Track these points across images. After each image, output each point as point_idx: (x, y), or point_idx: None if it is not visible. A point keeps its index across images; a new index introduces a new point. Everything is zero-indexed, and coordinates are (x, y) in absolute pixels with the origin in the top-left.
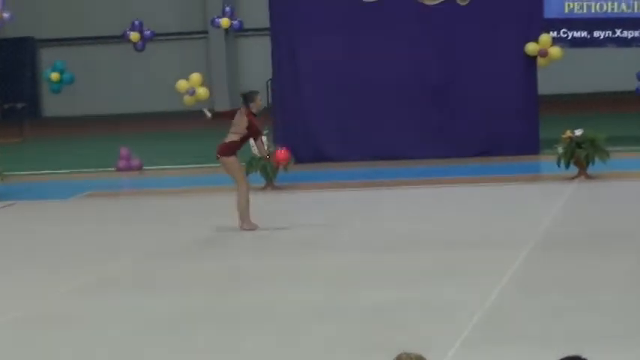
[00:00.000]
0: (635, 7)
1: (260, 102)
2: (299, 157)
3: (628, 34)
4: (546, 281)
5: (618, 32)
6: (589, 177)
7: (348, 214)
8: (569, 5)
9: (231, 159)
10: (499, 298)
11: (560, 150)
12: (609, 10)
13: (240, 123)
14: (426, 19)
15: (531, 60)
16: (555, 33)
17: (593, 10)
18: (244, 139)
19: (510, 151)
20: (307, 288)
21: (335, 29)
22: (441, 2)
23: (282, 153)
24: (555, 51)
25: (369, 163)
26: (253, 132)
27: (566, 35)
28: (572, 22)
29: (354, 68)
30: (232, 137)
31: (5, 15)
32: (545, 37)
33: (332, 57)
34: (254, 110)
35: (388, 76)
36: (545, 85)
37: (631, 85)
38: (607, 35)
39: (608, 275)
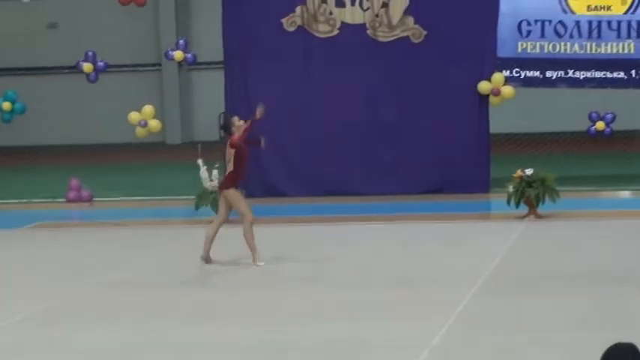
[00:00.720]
0: (588, 48)
1: (238, 121)
2: (250, 192)
3: (580, 74)
4: (494, 319)
5: (570, 73)
6: (539, 216)
7: (297, 249)
8: (522, 45)
9: (231, 191)
10: (447, 335)
11: (511, 189)
12: (562, 51)
13: (228, 151)
14: (380, 55)
15: (484, 99)
16: (508, 72)
17: (546, 51)
18: (239, 163)
19: (461, 189)
20: (249, 323)
21: (288, 64)
22: (395, 39)
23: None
24: (508, 90)
25: (321, 198)
26: (237, 142)
27: (518, 74)
28: (525, 62)
29: (306, 103)
30: (228, 168)
31: None
32: (498, 76)
33: (285, 92)
34: (238, 133)
35: (340, 111)
36: (497, 124)
37: (583, 125)
38: (559, 75)
39: (556, 314)
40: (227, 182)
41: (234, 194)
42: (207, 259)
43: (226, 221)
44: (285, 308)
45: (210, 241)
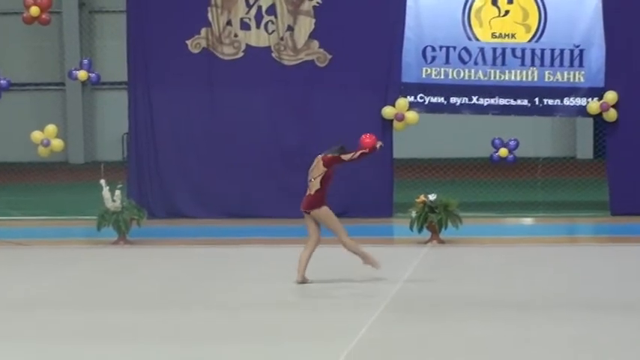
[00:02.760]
0: (492, 75)
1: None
2: (153, 213)
3: (484, 101)
4: (396, 344)
5: (475, 99)
6: (441, 241)
7: (197, 270)
8: (426, 71)
9: (324, 209)
10: (348, 359)
11: (414, 214)
12: (466, 77)
13: (317, 166)
14: (285, 78)
15: (387, 124)
16: (412, 98)
17: (450, 77)
18: (327, 182)
19: (365, 214)
20: (146, 345)
21: (193, 86)
22: (300, 63)
23: (368, 138)
24: (411, 115)
25: (224, 220)
26: (332, 162)
27: (422, 100)
28: (430, 88)
29: (210, 125)
30: (314, 186)
31: None
32: (402, 102)
33: (189, 114)
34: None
35: (245, 134)
36: (401, 150)
37: (486, 152)
38: (463, 102)
39: (458, 339)
40: (317, 201)
41: (326, 212)
42: (303, 280)
43: (320, 240)
44: (181, 330)
45: (304, 264)
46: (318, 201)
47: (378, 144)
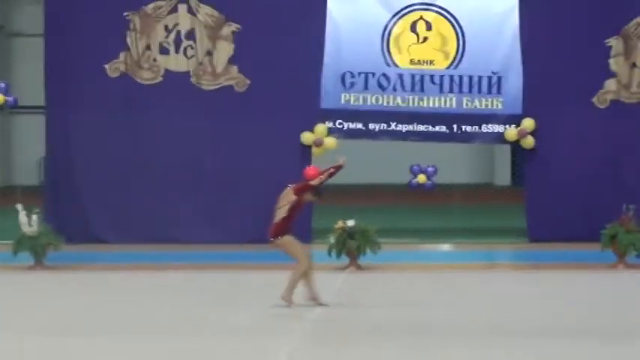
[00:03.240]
0: (411, 101)
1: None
2: (71, 238)
3: (403, 127)
4: None
5: (393, 125)
6: (360, 268)
7: (113, 296)
8: (345, 97)
9: (286, 238)
10: None
11: (332, 240)
12: (385, 104)
13: (287, 195)
14: (204, 103)
15: (306, 149)
16: (331, 123)
17: (369, 103)
18: (295, 211)
19: None
20: None
21: (112, 110)
22: (219, 87)
23: (312, 170)
24: (330, 141)
25: (143, 245)
26: (303, 189)
27: (341, 126)
28: (348, 114)
29: (129, 149)
30: (281, 214)
31: None
32: (321, 127)
33: (107, 138)
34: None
35: (164, 158)
36: None
37: (404, 178)
38: (382, 128)
39: None
40: (281, 229)
41: (288, 241)
42: (288, 303)
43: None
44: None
45: (294, 285)
46: (282, 229)
47: (342, 160)
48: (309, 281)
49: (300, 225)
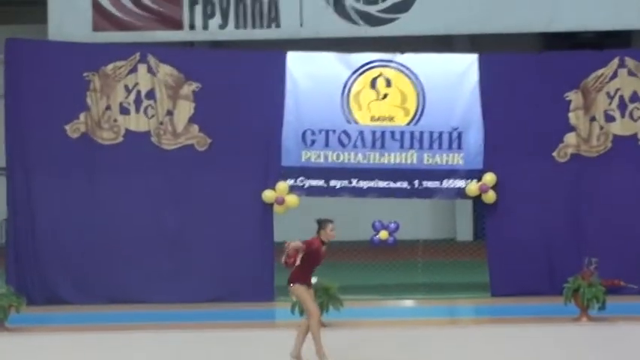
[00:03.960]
0: (371, 158)
1: (331, 232)
2: (33, 300)
3: (364, 184)
4: None
5: (354, 182)
6: (323, 325)
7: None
8: (306, 154)
9: (296, 287)
10: None
11: (295, 298)
12: (346, 160)
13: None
14: (164, 163)
15: (268, 207)
16: (292, 181)
17: (330, 160)
18: (304, 259)
19: (245, 298)
20: None
21: (72, 170)
22: (180, 147)
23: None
24: (292, 199)
25: (105, 306)
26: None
27: (302, 184)
28: (309, 171)
29: (90, 210)
30: (297, 262)
31: None
32: (282, 185)
33: (68, 199)
34: (323, 239)
35: (125, 218)
36: (282, 233)
37: (366, 234)
38: (343, 185)
39: None
40: (293, 277)
41: (297, 290)
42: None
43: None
44: None
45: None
46: (293, 277)
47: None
48: (302, 338)
49: (262, 283)
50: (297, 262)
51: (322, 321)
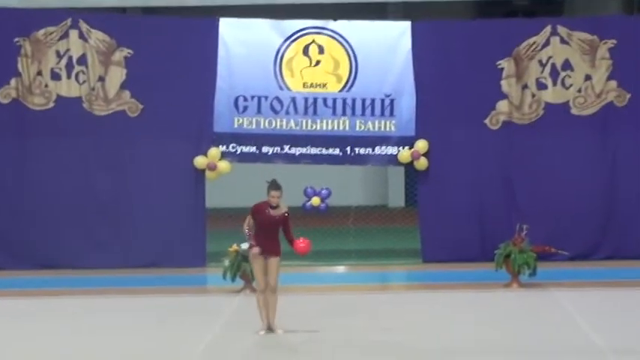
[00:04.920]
0: (304, 124)
1: (271, 198)
2: None
3: (296, 150)
4: None
5: (287, 148)
6: (254, 290)
7: (13, 323)
8: (238, 120)
9: (251, 252)
10: None
11: (227, 263)
12: (278, 127)
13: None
14: (96, 129)
15: (200, 173)
16: (225, 147)
17: (262, 126)
18: (256, 227)
19: (178, 263)
20: None
21: (3, 136)
22: (111, 113)
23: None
24: (224, 165)
25: (37, 271)
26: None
27: (235, 150)
28: (242, 137)
29: (21, 176)
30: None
31: None
32: (214, 151)
33: None
34: (270, 202)
35: (56, 184)
36: (214, 199)
37: (299, 201)
38: (276, 151)
39: None
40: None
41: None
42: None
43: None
44: None
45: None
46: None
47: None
48: (266, 310)
49: (194, 248)
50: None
51: (253, 286)
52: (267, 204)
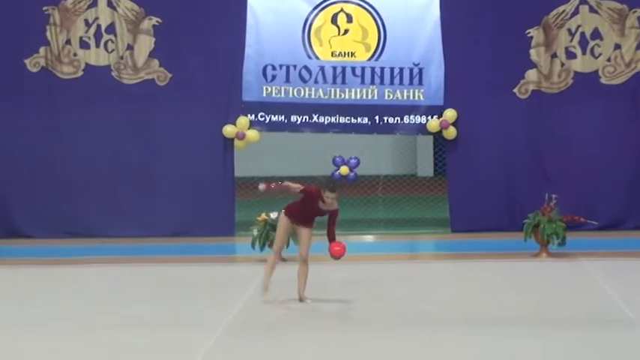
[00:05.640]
0: (332, 93)
1: (326, 198)
2: None
3: (324, 119)
4: None
5: (315, 117)
6: (284, 259)
7: (33, 291)
8: (267, 89)
9: (280, 215)
10: None
11: (255, 232)
12: (307, 96)
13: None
14: (125, 98)
15: (229, 142)
16: (253, 116)
17: (290, 95)
18: (302, 202)
19: (206, 233)
20: None
21: (32, 105)
22: (140, 82)
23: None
24: (252, 134)
25: (65, 240)
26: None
27: (263, 119)
28: (270, 106)
29: (50, 144)
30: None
31: None
32: (243, 120)
33: (29, 134)
34: (323, 198)
35: (85, 153)
36: (242, 168)
37: (327, 170)
38: (304, 120)
39: (294, 356)
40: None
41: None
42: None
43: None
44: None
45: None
46: (287, 206)
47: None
48: (302, 280)
49: (223, 217)
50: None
51: (282, 256)
52: (319, 194)
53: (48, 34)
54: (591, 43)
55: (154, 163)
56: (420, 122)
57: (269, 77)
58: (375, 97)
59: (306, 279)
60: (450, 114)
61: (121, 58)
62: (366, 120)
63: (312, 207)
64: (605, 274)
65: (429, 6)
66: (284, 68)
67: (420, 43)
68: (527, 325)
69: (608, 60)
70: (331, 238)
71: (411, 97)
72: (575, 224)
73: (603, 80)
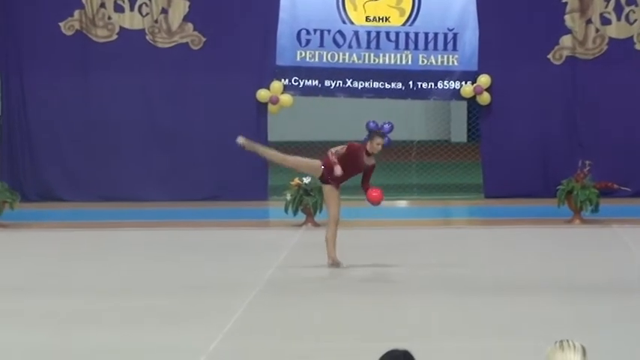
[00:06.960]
0: (366, 58)
1: (377, 145)
2: (26, 196)
3: (358, 84)
4: (271, 325)
5: (349, 82)
6: (316, 224)
7: (71, 254)
8: (300, 54)
9: (327, 187)
10: (223, 341)
11: (289, 197)
12: (341, 61)
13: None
14: (159, 61)
15: (262, 106)
16: (287, 81)
17: (324, 60)
18: (343, 165)
19: (239, 197)
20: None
21: (66, 68)
22: (174, 45)
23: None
24: (286, 98)
25: (99, 204)
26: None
27: (297, 83)
28: (304, 71)
29: (84, 108)
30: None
31: None
32: (277, 84)
33: (63, 97)
34: (369, 149)
35: (119, 117)
36: (276, 132)
37: (361, 135)
38: (338, 85)
39: (329, 318)
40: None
41: (329, 190)
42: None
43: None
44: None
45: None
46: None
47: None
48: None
49: (256, 182)
50: (334, 161)
51: (315, 220)
52: (363, 148)
53: None
54: (626, 9)
55: (188, 126)
56: (454, 88)
57: (303, 42)
58: (409, 63)
59: (335, 241)
60: (484, 79)
61: (156, 21)
62: (399, 85)
63: (357, 163)
64: (638, 240)
65: None
66: (318, 33)
67: (455, 9)
68: (559, 292)
69: None
70: (368, 187)
71: (445, 63)
72: (608, 191)
73: (638, 46)
